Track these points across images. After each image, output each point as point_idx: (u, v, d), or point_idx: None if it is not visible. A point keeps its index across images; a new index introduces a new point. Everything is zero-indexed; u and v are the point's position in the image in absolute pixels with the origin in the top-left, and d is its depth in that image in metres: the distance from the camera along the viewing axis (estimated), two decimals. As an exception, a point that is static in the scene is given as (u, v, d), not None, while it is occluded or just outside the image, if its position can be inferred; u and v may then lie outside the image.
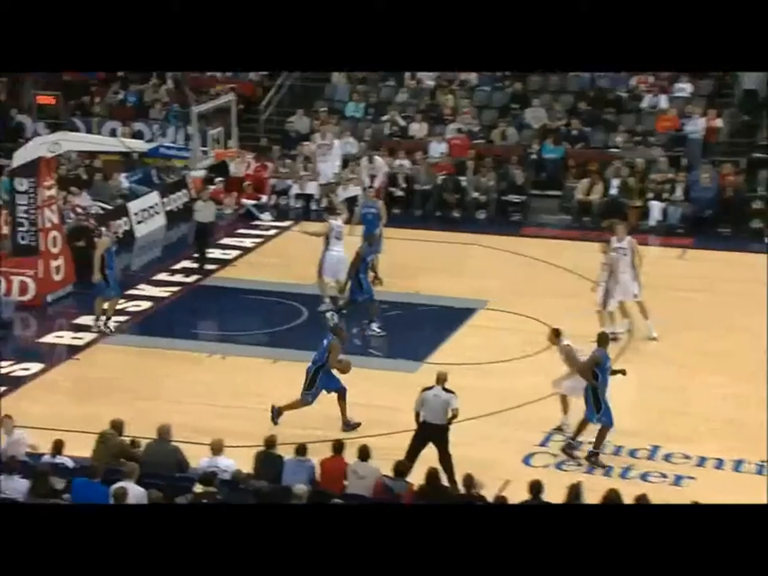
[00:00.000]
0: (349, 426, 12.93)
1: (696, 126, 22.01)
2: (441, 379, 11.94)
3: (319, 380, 12.95)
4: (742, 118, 22.70)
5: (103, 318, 15.90)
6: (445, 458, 11.62)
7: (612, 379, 13.27)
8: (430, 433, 11.72)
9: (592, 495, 10.07)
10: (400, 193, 21.91)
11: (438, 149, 22.71)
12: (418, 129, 23.54)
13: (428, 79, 24.65)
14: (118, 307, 16.31)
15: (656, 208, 20.89)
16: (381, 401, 13.28)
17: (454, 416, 11.80)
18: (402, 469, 10.74)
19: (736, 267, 18.69)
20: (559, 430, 12.88)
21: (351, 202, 21.36)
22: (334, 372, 12.99)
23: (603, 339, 12.44)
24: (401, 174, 22.18)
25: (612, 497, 9.86)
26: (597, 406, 12.09)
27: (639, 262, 15.52)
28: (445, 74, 24.64)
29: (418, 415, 11.85)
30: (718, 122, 22.16)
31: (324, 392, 13.03)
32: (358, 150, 22.81)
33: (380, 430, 12.74)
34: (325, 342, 13.04)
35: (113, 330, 15.87)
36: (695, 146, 21.90)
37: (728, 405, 13.60)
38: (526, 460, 12.43)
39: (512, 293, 17.02)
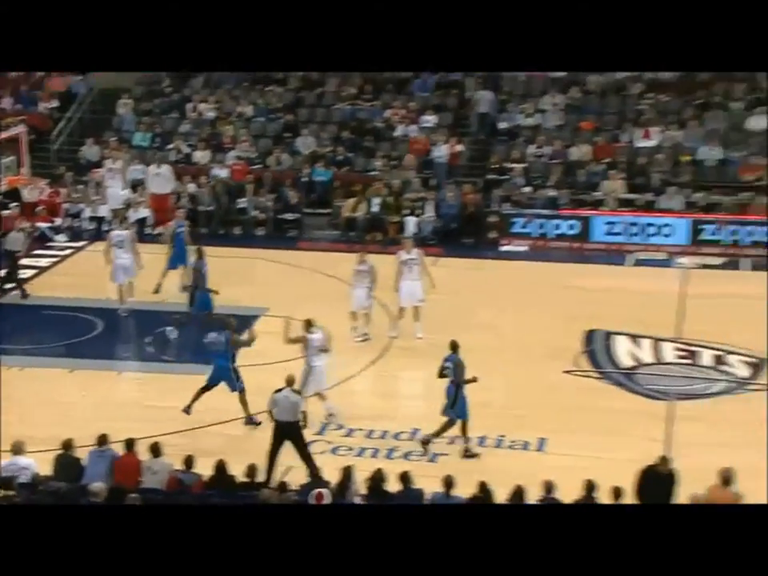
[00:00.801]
0: (188, 411, 12.89)
1: (441, 152, 22.94)
2: (290, 381, 11.97)
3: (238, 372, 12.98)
4: (481, 145, 23.86)
5: None
6: (302, 453, 11.61)
7: (374, 372, 13.54)
8: (284, 430, 11.66)
9: (362, 475, 10.38)
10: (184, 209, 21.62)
11: (220, 174, 22.61)
12: (201, 156, 23.34)
13: (208, 111, 24.52)
14: None
15: (411, 222, 21.63)
16: (173, 402, 13.11)
17: (305, 417, 11.95)
18: (223, 467, 10.63)
19: (477, 272, 19.68)
20: (331, 416, 13.17)
21: (141, 223, 21.02)
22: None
23: (455, 346, 12.66)
24: (185, 196, 21.95)
25: (377, 476, 10.22)
26: (454, 402, 12.35)
27: (426, 270, 16.07)
28: (224, 106, 24.58)
29: (271, 413, 11.84)
30: (459, 148, 23.22)
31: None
32: (145, 176, 22.37)
33: (173, 428, 12.61)
34: (223, 338, 13.00)
35: None
36: (441, 169, 22.84)
37: (475, 391, 14.15)
38: (306, 447, 12.60)
39: (290, 300, 17.17)
